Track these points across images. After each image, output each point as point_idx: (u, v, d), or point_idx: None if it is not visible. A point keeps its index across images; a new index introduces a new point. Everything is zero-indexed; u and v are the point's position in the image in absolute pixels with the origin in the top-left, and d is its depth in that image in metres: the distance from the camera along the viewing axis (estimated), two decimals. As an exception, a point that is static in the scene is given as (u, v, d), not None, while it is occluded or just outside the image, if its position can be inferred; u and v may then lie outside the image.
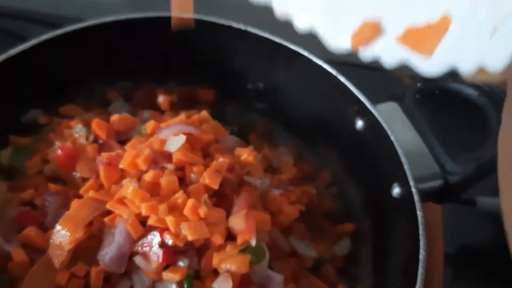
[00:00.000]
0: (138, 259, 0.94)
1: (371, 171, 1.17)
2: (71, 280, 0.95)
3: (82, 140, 1.08)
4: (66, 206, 1.02)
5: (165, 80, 1.38)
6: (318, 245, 1.13)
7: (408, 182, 1.02)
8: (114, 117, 1.13)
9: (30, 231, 0.99)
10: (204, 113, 1.16)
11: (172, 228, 0.91)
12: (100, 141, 1.10)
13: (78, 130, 1.09)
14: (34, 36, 1.19)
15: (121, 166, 0.99)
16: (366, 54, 0.71)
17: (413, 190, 1.01)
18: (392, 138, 1.08)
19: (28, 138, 1.20)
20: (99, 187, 1.02)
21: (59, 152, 1.05)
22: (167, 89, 1.37)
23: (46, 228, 1.01)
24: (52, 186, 1.04)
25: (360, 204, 1.22)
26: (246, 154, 1.07)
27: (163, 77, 1.38)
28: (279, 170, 1.22)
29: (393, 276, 1.03)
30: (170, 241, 0.91)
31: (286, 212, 1.08)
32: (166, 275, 0.93)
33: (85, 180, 1.05)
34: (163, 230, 0.93)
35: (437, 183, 1.08)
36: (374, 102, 1.15)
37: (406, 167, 1.04)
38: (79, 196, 1.01)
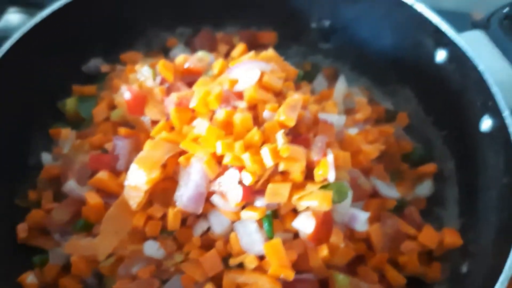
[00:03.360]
0: (216, 198, 0.90)
1: (455, 107, 1.08)
2: (148, 222, 0.92)
3: (149, 82, 1.04)
4: (137, 149, 0.99)
5: (224, 23, 1.33)
6: (398, 187, 1.07)
7: (501, 113, 0.93)
8: (180, 58, 1.08)
9: (103, 175, 0.97)
10: (271, 51, 1.09)
11: (249, 166, 0.86)
12: (167, 85, 1.05)
13: (144, 72, 1.05)
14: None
15: (191, 105, 0.94)
16: None
17: (508, 121, 0.92)
18: (480, 68, 0.98)
19: (92, 86, 1.17)
20: (170, 129, 0.98)
21: (127, 95, 1.01)
22: (226, 33, 1.31)
23: (118, 173, 0.98)
24: (122, 130, 1.01)
25: (442, 144, 1.14)
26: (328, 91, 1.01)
27: (222, 21, 1.32)
28: (353, 110, 1.14)
29: (485, 213, 0.96)
30: (248, 179, 0.87)
31: (365, 152, 1.01)
32: (245, 213, 0.89)
33: (154, 123, 1.01)
34: (240, 168, 0.88)
35: (533, 114, 0.98)
36: (456, 30, 1.06)
37: (498, 97, 0.94)
38: (150, 139, 0.98)
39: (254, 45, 1.24)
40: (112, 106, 1.10)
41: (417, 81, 1.19)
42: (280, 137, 0.88)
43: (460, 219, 1.04)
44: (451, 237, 0.99)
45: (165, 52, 1.29)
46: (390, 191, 1.02)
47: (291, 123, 0.91)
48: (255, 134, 0.89)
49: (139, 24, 1.26)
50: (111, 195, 0.97)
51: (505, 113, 0.92)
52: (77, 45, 1.18)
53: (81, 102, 1.15)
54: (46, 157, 1.07)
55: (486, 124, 0.98)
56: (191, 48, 1.28)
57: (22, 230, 0.98)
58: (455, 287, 0.94)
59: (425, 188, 1.10)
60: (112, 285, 0.91)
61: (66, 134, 1.08)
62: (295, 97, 0.95)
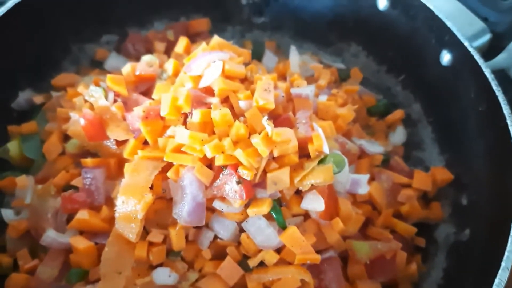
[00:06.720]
0: (217, 204, 0.85)
1: (407, 50, 1.10)
2: (150, 250, 0.85)
3: (102, 102, 0.94)
4: (110, 177, 0.92)
5: (150, 21, 1.25)
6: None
7: (460, 43, 0.96)
8: (127, 67, 0.99)
9: (83, 215, 0.87)
10: (217, 38, 1.02)
11: (245, 162, 0.82)
12: (120, 99, 0.96)
13: (92, 92, 0.94)
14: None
15: (163, 114, 0.87)
16: None
17: (470, 49, 0.94)
18: (429, 5, 1.00)
19: (31, 123, 1.05)
20: (143, 145, 0.90)
21: (83, 122, 0.91)
22: (157, 31, 1.23)
23: (97, 208, 0.89)
24: (88, 161, 0.91)
25: (402, 89, 1.16)
26: (282, 64, 0.97)
27: (146, 19, 1.24)
28: (311, 78, 1.12)
29: (468, 143, 0.99)
30: (248, 175, 0.82)
31: (342, 116, 1.00)
32: (252, 211, 0.84)
33: (120, 143, 0.93)
34: (234, 166, 0.83)
35: (487, 37, 1.02)
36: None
37: (454, 29, 0.96)
38: (123, 163, 0.89)
39: (189, 36, 1.17)
40: (65, 138, 0.99)
41: (362, 34, 1.19)
42: (266, 124, 0.84)
43: (443, 156, 1.07)
44: (441, 174, 1.02)
45: (95, 65, 1.19)
46: (375, 147, 1.03)
47: (271, 106, 0.87)
48: (240, 128, 0.84)
49: (60, 41, 1.15)
50: (97, 233, 0.88)
51: (466, 43, 0.94)
52: (-1, 82, 1.05)
53: (25, 143, 1.02)
54: (7, 213, 0.94)
55: (446, 58, 1.00)
56: (125, 54, 1.18)
57: (7, 301, 0.87)
58: (461, 221, 0.96)
59: (398, 135, 1.12)
60: (130, 327, 0.84)
61: (23, 182, 0.95)
62: (264, 79, 0.91)
